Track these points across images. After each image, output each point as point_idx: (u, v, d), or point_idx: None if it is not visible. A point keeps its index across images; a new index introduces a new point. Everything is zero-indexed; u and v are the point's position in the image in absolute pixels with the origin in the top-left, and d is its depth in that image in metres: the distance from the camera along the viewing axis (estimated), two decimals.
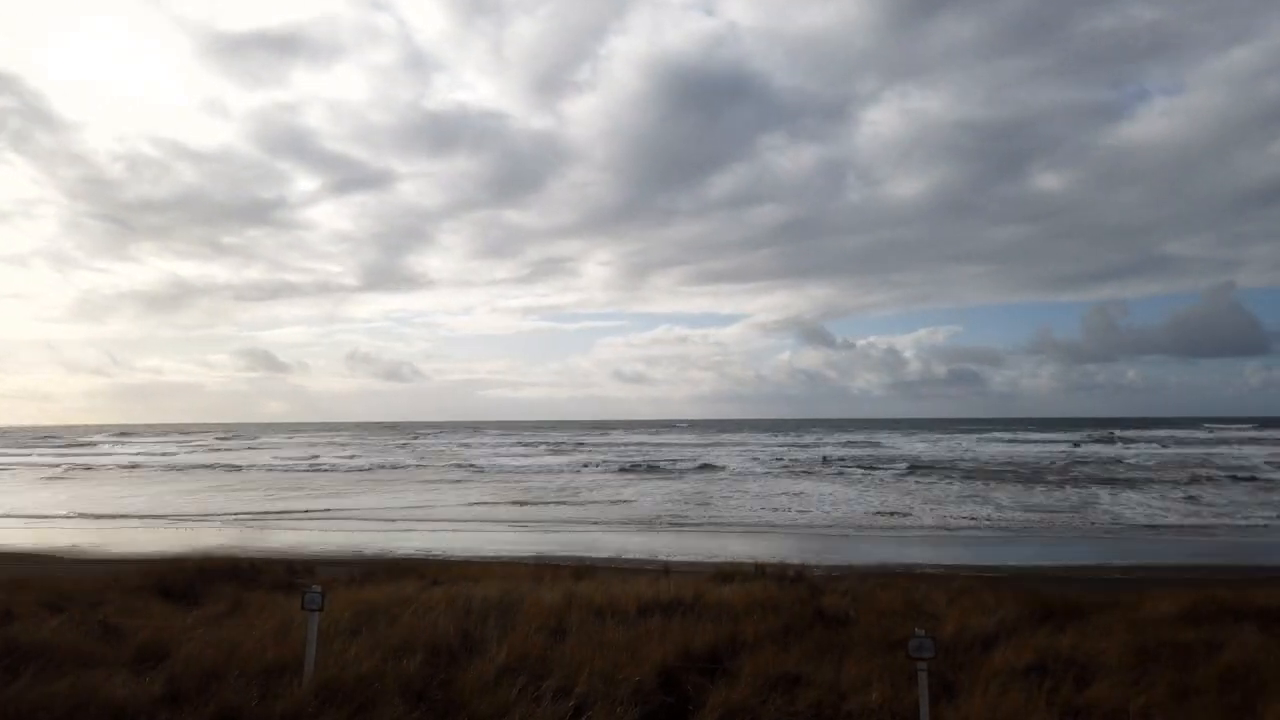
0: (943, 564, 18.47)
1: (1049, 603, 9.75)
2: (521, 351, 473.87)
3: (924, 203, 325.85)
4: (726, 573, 12.81)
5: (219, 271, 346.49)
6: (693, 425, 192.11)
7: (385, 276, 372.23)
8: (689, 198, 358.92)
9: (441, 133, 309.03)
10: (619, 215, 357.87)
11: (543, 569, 13.69)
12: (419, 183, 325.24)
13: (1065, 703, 6.03)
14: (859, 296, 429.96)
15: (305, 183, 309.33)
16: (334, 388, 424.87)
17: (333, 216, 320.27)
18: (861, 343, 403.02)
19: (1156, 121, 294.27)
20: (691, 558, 19.06)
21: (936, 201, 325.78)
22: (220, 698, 5.73)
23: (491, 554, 19.97)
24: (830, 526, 26.89)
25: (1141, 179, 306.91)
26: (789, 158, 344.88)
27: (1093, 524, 26.61)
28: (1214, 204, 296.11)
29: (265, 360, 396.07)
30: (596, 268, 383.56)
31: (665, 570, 13.94)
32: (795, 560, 15.26)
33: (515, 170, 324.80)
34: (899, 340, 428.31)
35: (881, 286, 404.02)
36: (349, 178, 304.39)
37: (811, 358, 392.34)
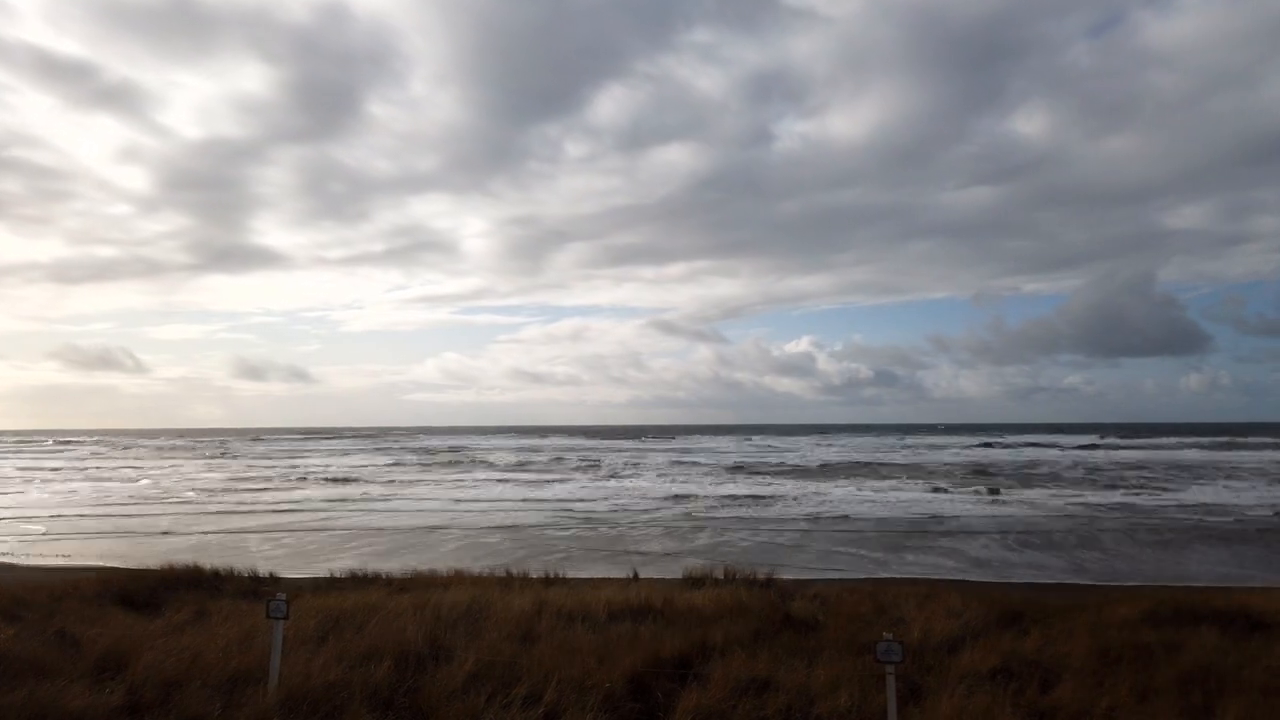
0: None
1: (1013, 606, 9.88)
2: (422, 350, 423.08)
3: (872, 148, 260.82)
4: (696, 578, 12.85)
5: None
6: (579, 430, 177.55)
7: (220, 252, 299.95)
8: (571, 131, 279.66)
9: (175, 7, 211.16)
10: (483, 157, 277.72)
11: (512, 575, 13.60)
12: (186, 102, 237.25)
13: (1030, 705, 6.11)
14: (791, 281, 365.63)
15: (27, 98, 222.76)
16: (206, 392, 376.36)
17: (97, 159, 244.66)
18: (793, 345, 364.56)
19: (1186, 19, 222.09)
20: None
21: (887, 148, 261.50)
22: (182, 708, 5.64)
23: None
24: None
25: (1144, 114, 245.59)
26: (690, 66, 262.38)
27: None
28: (1226, 156, 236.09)
29: (119, 360, 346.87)
30: (476, 242, 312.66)
31: (634, 575, 13.97)
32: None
33: (313, 80, 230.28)
34: (837, 338, 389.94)
35: (817, 270, 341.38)
36: (82, 93, 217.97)
37: (737, 360, 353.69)
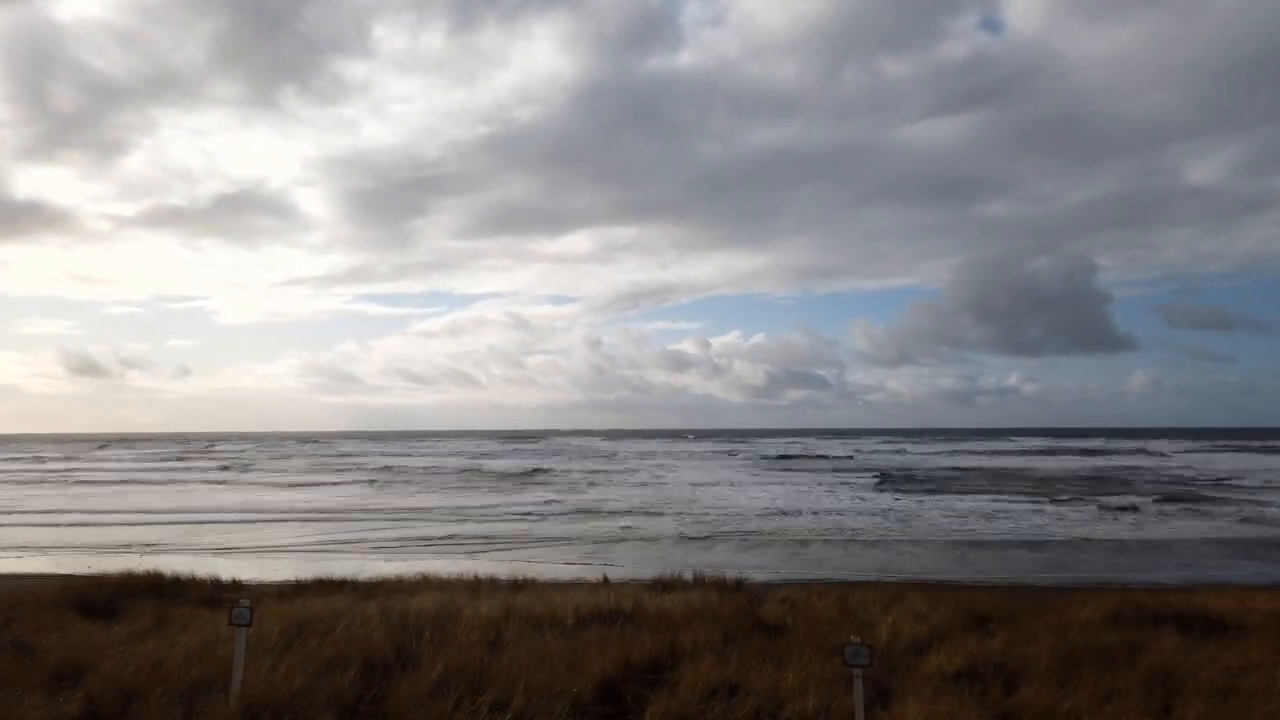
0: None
1: (979, 608, 9.97)
2: (300, 346, 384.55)
3: (809, 47, 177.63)
4: (666, 581, 12.86)
5: None
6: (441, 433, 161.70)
7: None
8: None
9: None
10: (253, 40, 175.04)
11: (480, 580, 13.51)
12: None
13: (995, 706, 6.16)
14: (717, 258, 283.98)
15: None
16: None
17: None
18: (718, 340, 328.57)
19: None
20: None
21: (829, 50, 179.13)
22: (142, 717, 5.53)
23: None
24: None
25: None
26: None
27: None
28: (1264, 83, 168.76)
29: None
30: (308, 200, 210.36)
31: (605, 580, 13.94)
32: None
33: None
34: (762, 331, 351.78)
35: (746, 243, 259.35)
36: None
37: (636, 357, 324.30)
